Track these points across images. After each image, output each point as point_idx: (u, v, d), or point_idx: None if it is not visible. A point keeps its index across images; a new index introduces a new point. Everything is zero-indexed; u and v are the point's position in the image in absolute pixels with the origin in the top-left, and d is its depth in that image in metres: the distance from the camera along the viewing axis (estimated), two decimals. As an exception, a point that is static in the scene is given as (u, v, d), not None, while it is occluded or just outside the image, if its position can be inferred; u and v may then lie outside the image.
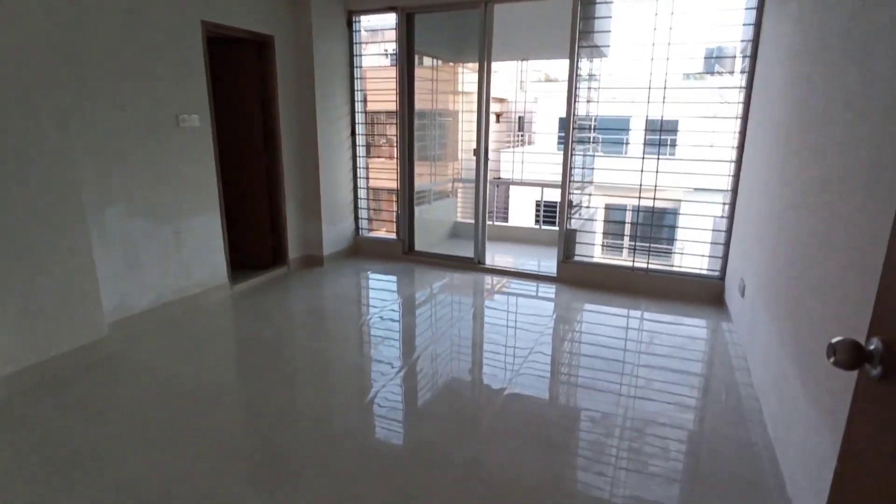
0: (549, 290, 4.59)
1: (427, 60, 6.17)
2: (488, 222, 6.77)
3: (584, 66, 4.70)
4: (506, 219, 12.94)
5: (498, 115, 19.16)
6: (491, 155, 4.91)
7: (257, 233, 4.80)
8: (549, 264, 5.03)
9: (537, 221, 6.86)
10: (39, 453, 2.26)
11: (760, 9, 3.68)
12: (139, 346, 3.32)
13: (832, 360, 0.94)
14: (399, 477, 2.16)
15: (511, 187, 14.21)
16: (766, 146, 3.14)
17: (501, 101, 18.36)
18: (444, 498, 2.01)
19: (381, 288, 4.74)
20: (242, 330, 3.68)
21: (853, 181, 1.69)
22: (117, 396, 2.77)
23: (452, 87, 6.61)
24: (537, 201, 7.10)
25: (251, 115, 4.54)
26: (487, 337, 3.66)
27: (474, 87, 4.79)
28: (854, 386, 1.00)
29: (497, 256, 5.71)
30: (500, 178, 15.09)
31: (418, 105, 5.63)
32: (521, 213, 13.51)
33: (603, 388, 2.88)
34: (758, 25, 3.72)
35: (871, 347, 0.92)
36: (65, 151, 2.85)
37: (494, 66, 4.87)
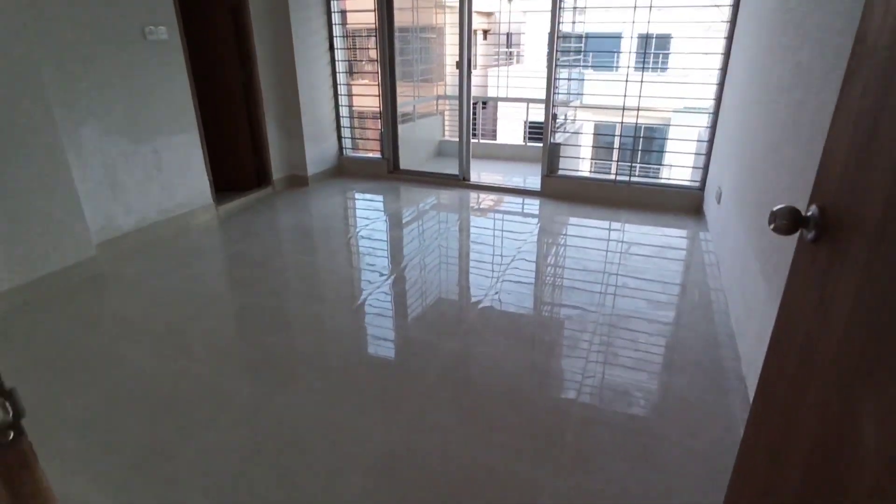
0: (533, 203, 4.65)
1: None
2: (475, 140, 6.72)
3: (571, -32, 4.48)
4: (494, 138, 12.76)
5: (485, 32, 18.34)
6: (478, 73, 4.78)
7: (239, 153, 4.74)
8: (534, 180, 5.05)
9: (525, 138, 6.79)
10: (46, 360, 2.38)
11: None
12: (129, 264, 3.38)
13: (772, 226, 1.01)
14: (387, 369, 2.31)
15: (500, 107, 13.90)
16: (747, 54, 3.10)
17: (489, 15, 17.51)
18: (429, 384, 2.17)
19: (367, 205, 4.77)
20: (230, 247, 3.74)
21: (813, 74, 1.70)
22: (113, 308, 2.87)
23: (437, 1, 6.30)
24: (525, 121, 6.98)
25: (222, 29, 4.33)
26: (472, 248, 3.76)
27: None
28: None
29: (483, 173, 5.71)
30: (487, 95, 14.73)
31: (400, 20, 5.39)
32: (510, 132, 13.31)
33: (581, 290, 3.01)
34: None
35: (808, 213, 0.99)
36: (29, 67, 2.75)
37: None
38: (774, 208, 1.01)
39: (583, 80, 5.99)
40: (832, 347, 0.87)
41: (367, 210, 4.65)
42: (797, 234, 1.04)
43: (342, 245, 3.79)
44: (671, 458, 1.80)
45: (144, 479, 1.72)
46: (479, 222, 4.30)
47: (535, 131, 8.21)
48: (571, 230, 4.15)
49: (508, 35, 18.41)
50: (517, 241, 3.80)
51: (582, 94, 6.30)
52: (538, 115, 4.84)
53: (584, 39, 5.23)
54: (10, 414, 0.51)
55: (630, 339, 2.53)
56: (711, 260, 3.38)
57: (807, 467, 0.91)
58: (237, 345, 2.54)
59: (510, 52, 18.19)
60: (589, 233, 4.05)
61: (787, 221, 1.00)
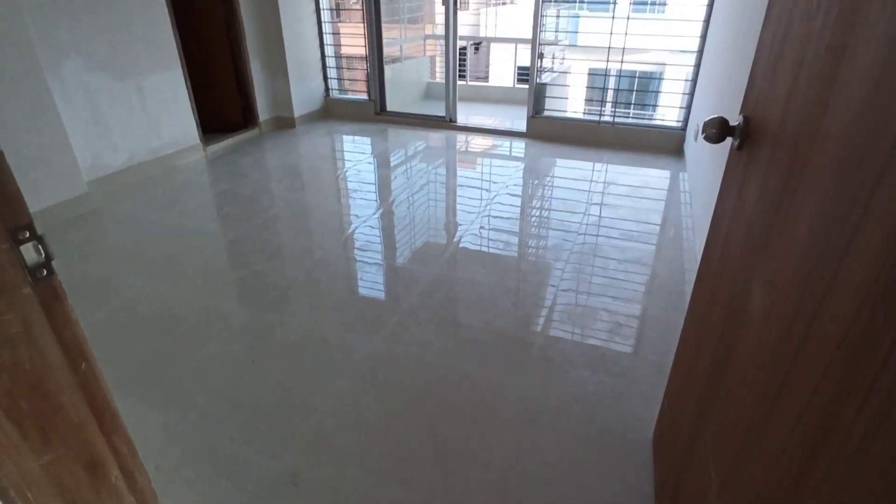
0: (518, 144, 4.72)
1: None
2: (464, 83, 6.67)
3: None
4: (487, 80, 12.57)
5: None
6: (470, 12, 4.72)
7: (225, 93, 4.72)
8: (520, 121, 5.08)
9: (514, 81, 6.75)
10: (44, 286, 2.50)
11: None
12: (120, 201, 3.46)
13: (704, 134, 1.13)
14: (373, 293, 2.47)
15: (492, 49, 13.62)
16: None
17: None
18: (411, 304, 2.33)
19: (354, 147, 4.81)
20: (219, 185, 3.81)
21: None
22: (107, 240, 2.98)
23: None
24: (515, 63, 6.92)
25: (203, -39, 4.24)
26: (456, 186, 3.86)
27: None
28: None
29: (471, 116, 5.73)
30: (478, 36, 14.39)
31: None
32: (502, 74, 13.12)
33: (560, 226, 3.15)
34: None
35: (735, 123, 1.11)
36: (6, 2, 2.74)
37: None
38: (706, 119, 1.13)
39: (572, 17, 5.91)
40: (741, 233, 1.01)
41: (354, 151, 4.70)
42: (727, 144, 1.16)
43: (330, 184, 3.88)
44: (628, 365, 1.99)
45: (150, 384, 1.89)
46: (464, 162, 4.38)
47: (525, 74, 8.12)
48: (555, 170, 4.24)
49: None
50: (501, 180, 3.91)
51: (571, 33, 6.24)
52: (528, 59, 4.83)
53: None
54: (43, 255, 0.64)
55: (602, 269, 2.69)
56: (687, 199, 3.51)
57: (720, 334, 1.07)
58: (230, 273, 2.68)
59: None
60: (572, 173, 4.15)
61: (716, 130, 1.11)
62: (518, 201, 3.58)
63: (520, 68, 8.35)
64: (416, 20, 6.39)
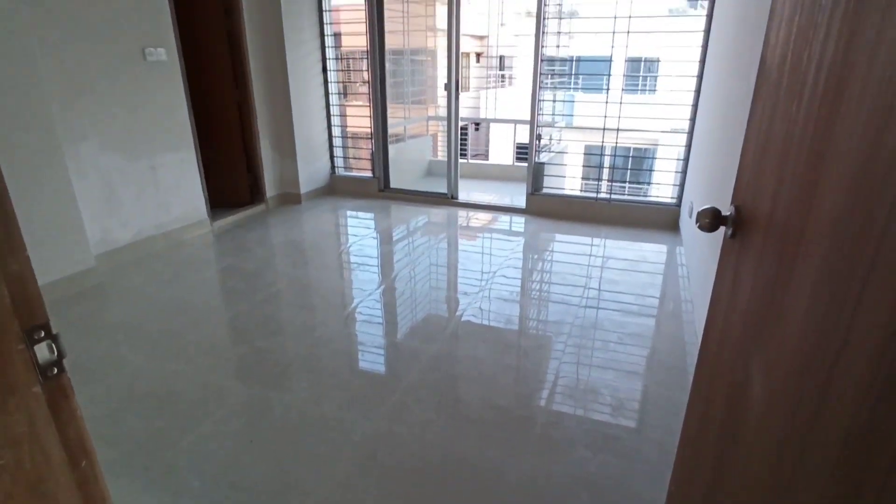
0: (518, 220, 4.83)
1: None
2: (465, 161, 6.92)
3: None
4: (486, 158, 13.03)
5: (479, 55, 18.81)
6: (471, 94, 5.00)
7: (234, 171, 4.90)
8: (520, 198, 5.23)
9: (514, 159, 7.01)
10: (43, 364, 2.48)
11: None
12: (126, 275, 3.50)
13: (699, 224, 1.17)
14: (373, 370, 2.44)
15: (492, 129, 14.24)
16: (716, 75, 3.32)
17: (481, 38, 17.98)
18: (411, 382, 2.30)
19: (358, 222, 4.92)
20: (224, 260, 3.87)
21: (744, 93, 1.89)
22: (110, 315, 2.99)
23: (430, 23, 6.55)
24: (514, 142, 7.22)
25: (218, 51, 4.54)
26: (457, 262, 3.91)
27: (445, 21, 4.81)
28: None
29: (471, 192, 5.90)
30: (478, 117, 15.07)
31: (393, 44, 5.64)
32: (502, 152, 13.62)
33: (560, 301, 3.16)
34: (717, -47, 3.80)
35: (727, 213, 1.15)
36: (34, 85, 2.92)
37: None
38: (699, 209, 1.18)
39: (567, 101, 6.24)
40: (738, 321, 1.02)
41: (358, 227, 4.80)
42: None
43: (333, 259, 3.94)
44: (631, 445, 1.93)
45: (143, 466, 1.83)
46: (465, 238, 4.46)
47: (523, 152, 8.45)
48: (554, 245, 4.32)
49: (500, 58, 18.91)
50: (501, 257, 3.96)
51: (567, 116, 6.55)
52: (526, 136, 5.04)
53: (570, 63, 5.48)
54: (56, 354, 0.65)
55: (603, 343, 2.68)
56: (684, 273, 3.55)
57: (722, 423, 1.05)
58: (231, 349, 2.66)
59: (502, 75, 18.66)
60: (571, 248, 4.21)
61: (709, 220, 1.16)
62: (519, 276, 3.61)
63: (518, 146, 8.69)
64: (420, 101, 6.73)
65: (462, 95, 5.09)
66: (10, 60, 2.78)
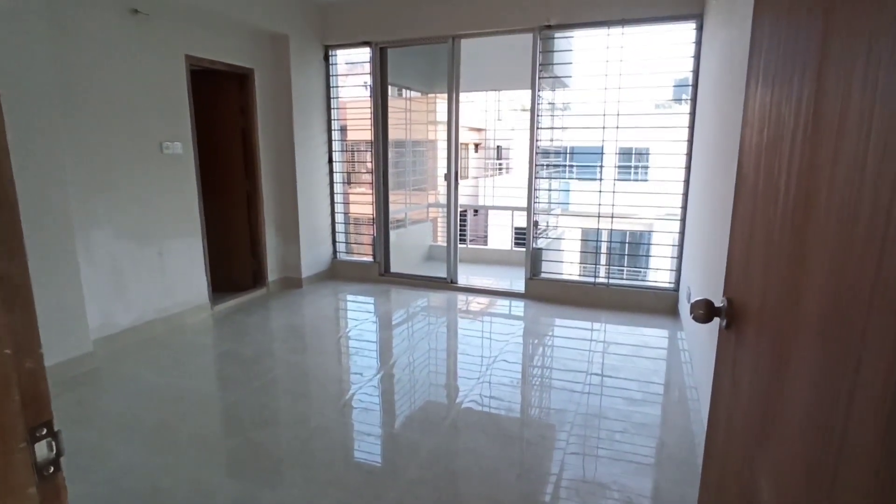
0: (517, 305, 4.84)
1: (405, 92, 6.53)
2: (464, 246, 7.06)
3: (547, 95, 5.08)
4: (485, 243, 13.25)
5: (477, 146, 19.72)
6: (470, 183, 5.21)
7: (238, 256, 4.99)
8: (518, 282, 5.28)
9: (511, 244, 7.17)
10: (28, 456, 2.40)
11: (699, 43, 4.09)
12: (123, 360, 3.46)
13: (693, 315, 1.20)
14: (370, 464, 2.35)
15: (490, 215, 14.62)
16: (702, 168, 3.48)
17: (480, 130, 18.94)
18: (410, 478, 2.20)
19: (358, 307, 4.94)
20: (222, 345, 3.84)
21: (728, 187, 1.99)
22: (103, 403, 2.92)
23: (431, 117, 6.97)
24: (511, 227, 7.42)
25: (232, 144, 4.79)
26: (457, 347, 3.88)
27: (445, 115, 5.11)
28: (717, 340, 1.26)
29: (471, 277, 5.97)
30: (477, 203, 15.52)
31: (397, 135, 5.96)
32: (500, 237, 13.87)
33: (562, 389, 3.10)
34: (697, 58, 4.13)
35: (720, 304, 1.18)
36: (55, 174, 3.06)
37: (471, 96, 5.20)
38: (693, 300, 1.21)
39: (563, 190, 6.48)
40: (740, 419, 1.02)
41: (358, 311, 4.81)
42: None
43: (332, 345, 3.91)
44: (646, 552, 1.82)
45: (120, 576, 1.72)
46: (465, 323, 4.46)
47: (521, 237, 8.64)
48: (554, 330, 4.31)
49: (498, 148, 19.78)
50: (501, 341, 3.94)
51: (563, 204, 6.78)
52: (523, 221, 5.18)
53: (564, 154, 5.75)
54: (54, 452, 0.65)
55: (608, 435, 2.60)
56: (687, 358, 3.51)
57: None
58: (224, 441, 2.58)
59: (499, 164, 19.43)
60: (571, 332, 4.19)
61: (703, 311, 1.18)
62: (519, 363, 3.57)
63: (517, 230, 8.91)
64: (421, 188, 6.99)
65: (461, 183, 5.29)
66: (37, 155, 2.94)
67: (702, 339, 3.01)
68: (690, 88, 4.23)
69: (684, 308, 4.08)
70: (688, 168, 4.33)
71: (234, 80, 4.69)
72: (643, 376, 3.30)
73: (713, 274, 2.69)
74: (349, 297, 5.14)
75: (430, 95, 7.01)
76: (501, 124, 18.93)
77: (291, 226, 5.20)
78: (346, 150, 5.99)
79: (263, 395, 3.01)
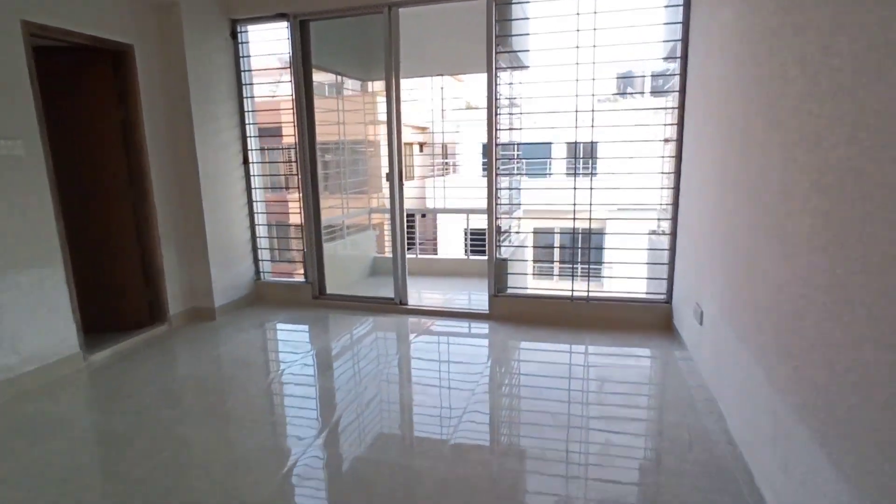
0: (481, 328, 4.02)
1: (345, 82, 5.57)
2: (413, 256, 6.18)
3: (505, 77, 4.29)
4: (435, 250, 12.42)
5: (422, 145, 18.88)
6: (415, 184, 4.34)
7: (126, 285, 3.90)
8: (480, 299, 4.47)
9: (466, 251, 6.33)
10: None
11: (688, 6, 3.40)
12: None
13: None
14: None
15: (439, 218, 13.76)
16: (715, 155, 2.76)
17: (423, 129, 18.12)
18: None
19: (287, 341, 3.98)
20: (87, 417, 2.79)
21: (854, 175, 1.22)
22: None
23: (372, 116, 6.02)
24: (465, 230, 6.58)
25: (108, 141, 3.70)
26: (415, 395, 3.00)
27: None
28: None
29: (423, 293, 5.11)
30: (425, 207, 14.66)
31: (331, 136, 5.04)
32: (451, 242, 13.05)
33: (550, 456, 2.29)
34: (686, 24, 3.44)
35: None
36: None
37: (414, 94, 4.34)
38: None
39: (532, 189, 5.71)
40: None
41: (287, 349, 3.86)
42: None
43: (257, 397, 2.93)
44: None
45: None
46: (421, 357, 3.58)
47: (478, 241, 7.85)
48: (528, 360, 3.53)
49: (444, 146, 19.04)
50: (468, 381, 3.10)
51: (532, 206, 6.03)
52: (479, 221, 4.36)
53: (531, 146, 5.00)
54: None
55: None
56: (703, 394, 2.78)
57: None
58: None
59: (446, 163, 18.70)
60: (550, 362, 3.41)
61: None
62: (493, 417, 2.74)
63: (472, 233, 8.07)
64: (363, 191, 6.04)
65: (407, 185, 4.42)
66: None
67: (737, 378, 2.26)
68: (679, 62, 3.54)
69: (686, 325, 3.36)
70: (678, 157, 3.64)
71: (106, 59, 3.61)
72: (650, 426, 2.54)
73: (743, 286, 1.94)
74: (278, 328, 4.16)
75: (371, 91, 6.07)
76: (447, 123, 18.20)
77: (197, 243, 4.15)
78: (277, 149, 4.98)
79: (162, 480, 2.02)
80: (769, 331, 1.89)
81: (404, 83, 4.24)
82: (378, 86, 5.89)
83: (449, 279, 5.74)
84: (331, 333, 4.01)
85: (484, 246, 4.18)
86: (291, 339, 4.03)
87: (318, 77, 5.33)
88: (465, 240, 6.34)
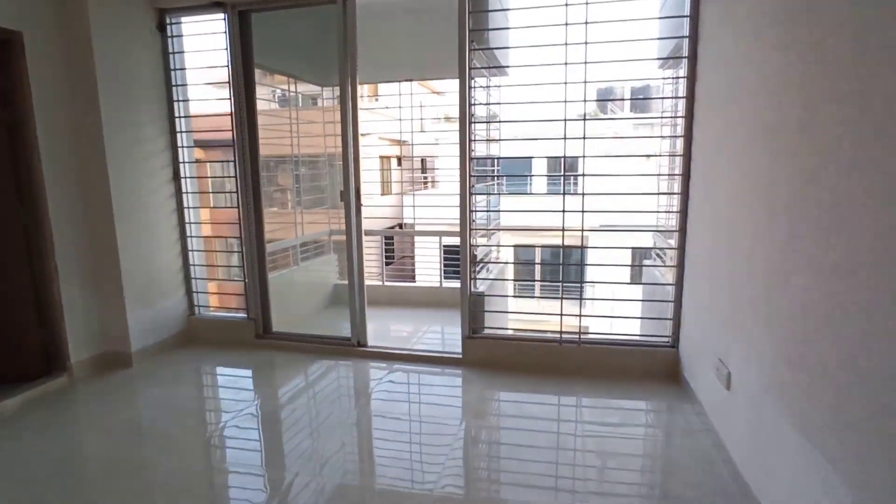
0: (453, 378, 3.35)
1: (297, 95, 4.91)
2: (378, 283, 5.50)
3: (482, 82, 3.69)
4: (413, 271, 11.68)
5: (399, 159, 18.29)
6: (393, 200, 3.70)
7: (13, 328, 3.16)
8: (453, 337, 3.82)
9: (441, 276, 5.65)
10: None
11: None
12: None
13: None
14: None
15: (416, 239, 13.06)
16: (752, 168, 2.16)
17: (402, 143, 17.55)
18: None
19: (217, 398, 3.27)
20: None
21: None
22: None
23: (333, 126, 5.35)
24: (440, 246, 5.86)
25: (-12, 151, 2.99)
26: (377, 462, 2.32)
27: (364, 127, 3.54)
28: None
29: (387, 329, 4.44)
30: (398, 225, 13.99)
31: (284, 147, 4.40)
32: (430, 261, 12.32)
33: None
34: (694, 18, 2.87)
35: None
36: None
37: (391, 102, 3.70)
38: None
39: (502, 210, 5.08)
40: None
41: (218, 407, 3.14)
42: None
43: (177, 477, 2.21)
44: None
45: None
46: (382, 415, 2.89)
47: (453, 263, 7.18)
48: (510, 420, 2.88)
49: (422, 160, 18.48)
50: (437, 450, 2.43)
51: (504, 229, 5.41)
52: (455, 238, 3.70)
53: (511, 161, 4.39)
54: None
55: None
56: (731, 469, 2.15)
57: None
58: None
59: (425, 178, 18.14)
60: (536, 431, 2.74)
61: None
62: (462, 490, 2.07)
63: (446, 252, 7.39)
64: (321, 211, 5.36)
65: (382, 201, 3.75)
66: None
67: (790, 471, 1.63)
68: (685, 63, 2.97)
69: (703, 383, 2.74)
70: (685, 175, 3.06)
71: (-16, 47, 2.91)
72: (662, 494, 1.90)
73: (810, 357, 1.31)
74: (207, 379, 3.45)
75: (334, 98, 5.40)
76: (425, 136, 17.73)
77: (108, 273, 3.42)
78: (222, 162, 4.28)
79: None
80: (869, 438, 1.27)
81: (383, 90, 3.61)
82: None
83: (420, 311, 5.05)
84: (275, 385, 3.31)
85: (458, 268, 3.53)
86: (224, 393, 3.32)
87: (269, 80, 4.68)
88: (440, 261, 5.68)
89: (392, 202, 14.15)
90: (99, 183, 3.30)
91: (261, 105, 3.80)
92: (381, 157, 15.12)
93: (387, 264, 6.46)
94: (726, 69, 2.43)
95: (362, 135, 3.57)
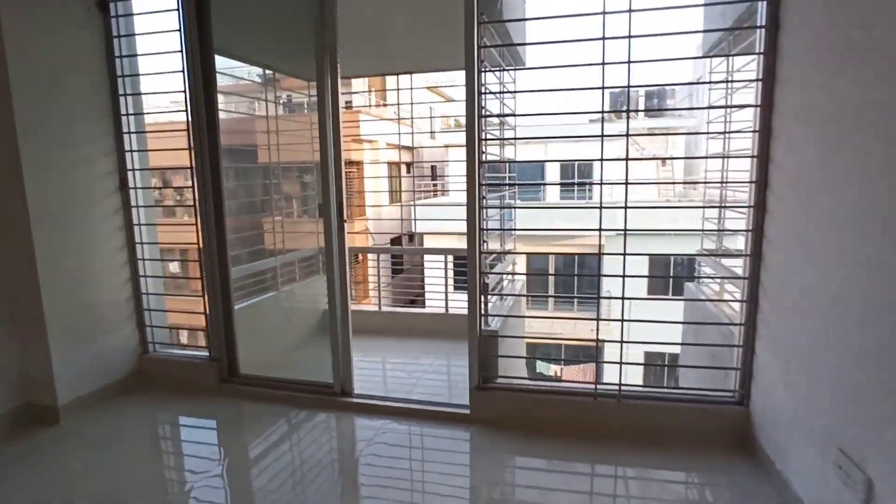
0: (459, 442, 2.63)
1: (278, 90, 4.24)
2: (374, 308, 4.79)
3: (492, 77, 3.00)
4: (421, 290, 10.94)
5: (408, 165, 17.75)
6: (401, 208, 2.99)
7: None
8: (460, 382, 3.11)
9: (446, 299, 4.89)
10: None
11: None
12: None
13: None
14: None
15: (426, 241, 12.35)
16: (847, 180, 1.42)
17: (412, 149, 17.00)
18: None
19: (164, 464, 2.57)
20: None
21: None
22: None
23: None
24: (445, 261, 5.08)
25: None
26: None
27: (375, 136, 2.86)
28: None
29: (381, 366, 3.74)
30: (411, 232, 13.31)
31: (263, 153, 3.76)
32: (439, 277, 11.59)
33: None
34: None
35: None
36: None
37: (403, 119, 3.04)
38: None
39: (517, 230, 4.33)
40: None
41: (162, 483, 2.43)
42: None
43: None
44: None
45: None
46: (373, 496, 2.18)
47: (459, 283, 6.46)
48: (530, 493, 2.14)
49: (432, 167, 17.92)
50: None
51: (520, 251, 4.68)
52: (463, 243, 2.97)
53: (539, 168, 3.67)
54: None
55: None
56: None
57: None
58: None
59: (434, 185, 17.56)
60: (564, 500, 2.01)
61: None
62: None
63: (456, 266, 6.73)
64: (312, 230, 4.66)
65: (390, 210, 3.05)
66: None
67: None
68: (760, 35, 2.24)
69: (791, 456, 1.98)
70: (762, 182, 2.32)
71: None
72: None
73: None
74: (151, 440, 2.76)
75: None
76: (435, 142, 17.18)
77: (26, 308, 2.74)
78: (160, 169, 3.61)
79: None
80: None
81: (391, 98, 2.93)
82: (360, 108, 4.53)
83: (421, 342, 4.32)
84: (234, 454, 2.60)
85: (465, 281, 2.80)
86: (173, 462, 2.63)
87: (244, 73, 4.01)
88: (446, 284, 4.95)
89: (399, 212, 13.51)
90: (12, 196, 2.63)
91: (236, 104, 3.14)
92: (390, 164, 14.48)
93: (392, 278, 5.72)
94: (835, 28, 1.70)
95: (368, 141, 2.89)
